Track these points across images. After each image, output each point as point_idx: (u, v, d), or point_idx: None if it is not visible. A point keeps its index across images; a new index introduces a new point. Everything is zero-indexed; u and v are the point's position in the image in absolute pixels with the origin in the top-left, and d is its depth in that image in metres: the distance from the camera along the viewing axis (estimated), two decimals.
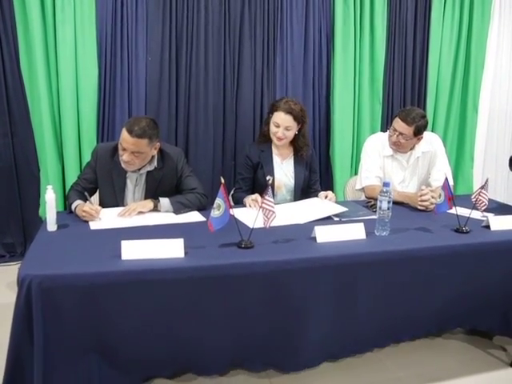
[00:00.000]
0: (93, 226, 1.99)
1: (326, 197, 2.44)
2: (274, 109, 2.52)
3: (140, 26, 3.16)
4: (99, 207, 2.10)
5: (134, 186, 2.33)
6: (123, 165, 2.21)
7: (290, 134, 2.53)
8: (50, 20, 2.96)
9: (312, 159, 2.71)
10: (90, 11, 3.02)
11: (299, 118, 2.50)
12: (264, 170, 2.57)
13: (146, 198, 2.31)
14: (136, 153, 2.14)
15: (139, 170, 2.28)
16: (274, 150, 2.63)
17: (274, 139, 2.54)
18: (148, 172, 2.30)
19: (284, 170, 2.63)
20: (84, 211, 2.04)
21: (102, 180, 2.31)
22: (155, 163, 2.30)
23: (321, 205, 2.35)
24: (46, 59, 3.01)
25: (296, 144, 2.61)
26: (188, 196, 2.29)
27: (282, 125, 2.48)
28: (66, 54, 3.01)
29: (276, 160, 2.62)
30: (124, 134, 2.12)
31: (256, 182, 2.62)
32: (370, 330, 1.91)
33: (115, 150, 2.26)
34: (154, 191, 2.30)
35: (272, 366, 1.88)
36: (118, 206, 2.28)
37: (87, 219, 2.04)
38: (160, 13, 3.18)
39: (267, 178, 2.53)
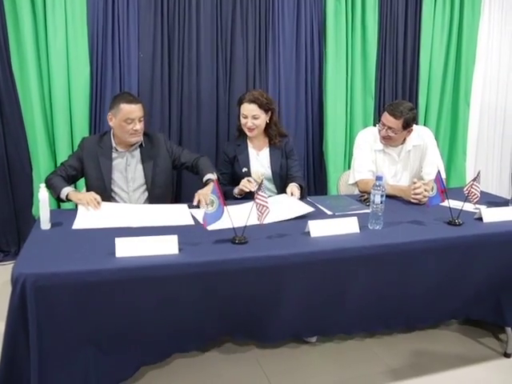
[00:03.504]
0: (89, 224, 1.95)
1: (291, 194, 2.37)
2: (239, 103, 2.60)
3: (131, 22, 3.13)
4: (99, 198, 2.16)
5: (125, 165, 2.40)
6: (133, 139, 2.33)
7: (259, 123, 2.57)
8: (41, 17, 2.93)
9: (287, 146, 2.69)
10: (81, 8, 2.99)
11: (264, 106, 2.56)
12: (239, 162, 2.63)
13: (145, 176, 2.40)
14: (141, 117, 2.31)
15: (131, 146, 2.38)
16: (250, 144, 2.69)
17: (246, 131, 2.61)
18: (141, 150, 2.41)
19: (260, 161, 2.67)
20: (95, 199, 2.11)
21: (90, 166, 2.38)
22: (141, 137, 2.39)
23: (290, 204, 2.25)
24: (37, 57, 2.98)
25: (269, 133, 2.66)
26: (205, 161, 2.46)
27: (249, 114, 2.55)
28: (58, 51, 2.98)
29: (252, 152, 2.68)
30: (127, 107, 2.26)
31: (234, 175, 2.67)
32: (360, 318, 1.94)
33: (101, 137, 2.42)
34: (151, 169, 2.41)
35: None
36: (105, 189, 2.34)
37: (91, 207, 2.09)
38: (152, 9, 3.16)
39: (243, 170, 2.61)
